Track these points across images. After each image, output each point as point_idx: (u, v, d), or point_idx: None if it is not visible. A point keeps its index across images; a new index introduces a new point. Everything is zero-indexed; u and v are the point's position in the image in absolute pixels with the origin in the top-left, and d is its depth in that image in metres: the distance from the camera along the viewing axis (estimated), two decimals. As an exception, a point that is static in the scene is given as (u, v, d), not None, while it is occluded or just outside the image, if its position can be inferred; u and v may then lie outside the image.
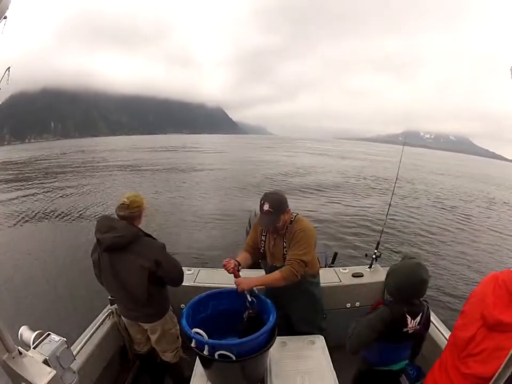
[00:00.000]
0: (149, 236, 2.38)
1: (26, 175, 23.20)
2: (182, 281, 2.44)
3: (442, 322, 2.64)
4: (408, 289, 1.92)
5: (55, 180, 20.49)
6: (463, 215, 13.19)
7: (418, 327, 1.96)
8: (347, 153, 52.47)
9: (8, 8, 0.87)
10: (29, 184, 18.70)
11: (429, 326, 2.06)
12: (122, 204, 2.29)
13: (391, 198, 3.86)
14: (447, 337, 2.32)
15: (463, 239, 9.81)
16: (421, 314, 1.96)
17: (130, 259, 2.24)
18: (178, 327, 2.60)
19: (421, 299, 2.02)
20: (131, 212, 2.31)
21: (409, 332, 1.95)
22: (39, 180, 20.23)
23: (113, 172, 22.91)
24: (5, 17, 0.89)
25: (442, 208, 14.22)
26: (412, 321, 1.94)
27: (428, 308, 2.01)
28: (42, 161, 34.36)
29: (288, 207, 2.44)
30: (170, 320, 2.55)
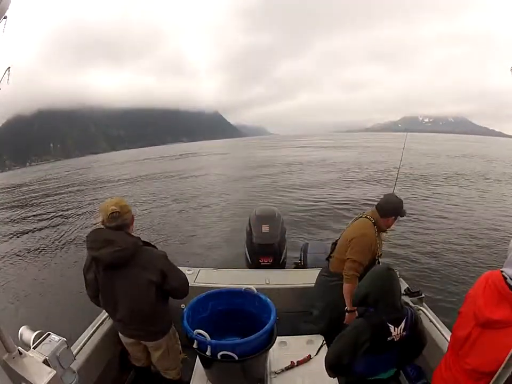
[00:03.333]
0: (148, 243, 2.17)
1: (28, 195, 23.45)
2: (187, 292, 2.21)
3: (443, 322, 2.62)
4: (391, 296, 1.86)
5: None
6: (466, 206, 12.94)
7: (404, 333, 1.87)
8: (347, 145, 51.83)
9: (8, 8, 0.89)
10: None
11: (417, 329, 1.94)
12: (112, 212, 2.01)
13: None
14: (447, 337, 2.34)
15: (466, 235, 9.47)
16: (405, 320, 1.87)
17: (135, 274, 2.02)
18: (180, 342, 2.46)
19: (403, 303, 1.95)
20: (124, 220, 2.06)
21: (395, 340, 1.86)
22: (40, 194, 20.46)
23: (113, 185, 22.96)
24: (5, 17, 0.90)
25: (446, 198, 13.85)
26: (396, 329, 1.85)
27: (411, 312, 1.92)
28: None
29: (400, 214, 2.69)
30: (173, 335, 2.39)
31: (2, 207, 17.90)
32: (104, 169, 40.79)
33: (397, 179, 4.03)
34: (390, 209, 2.62)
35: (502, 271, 1.38)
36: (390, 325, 1.84)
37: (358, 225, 2.68)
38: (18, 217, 14.11)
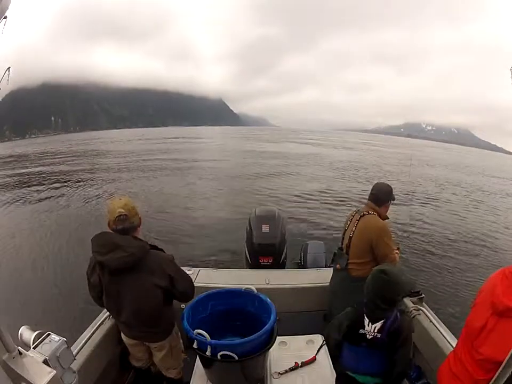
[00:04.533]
0: (154, 247, 2.13)
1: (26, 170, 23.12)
2: (193, 296, 2.20)
3: (443, 322, 2.61)
4: (371, 292, 1.91)
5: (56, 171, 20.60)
6: (467, 211, 13.05)
7: (378, 335, 1.89)
8: (347, 145, 51.75)
9: (8, 8, 0.87)
10: (29, 179, 18.80)
11: (400, 339, 1.90)
12: (120, 215, 1.95)
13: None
14: (447, 336, 2.36)
15: (466, 239, 9.62)
16: (383, 321, 1.89)
17: (142, 279, 1.98)
18: (182, 341, 2.46)
19: (398, 309, 1.97)
20: (132, 223, 2.01)
21: (367, 336, 1.90)
22: (39, 176, 20.23)
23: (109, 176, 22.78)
24: (5, 17, 0.88)
25: (448, 206, 13.92)
26: (370, 324, 1.90)
27: (395, 319, 1.91)
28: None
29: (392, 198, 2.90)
30: (176, 335, 2.39)
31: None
32: (104, 147, 40.55)
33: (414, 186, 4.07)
34: (385, 197, 2.80)
35: None
36: (366, 318, 1.91)
37: (368, 224, 2.71)
38: (15, 208, 13.82)
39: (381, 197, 2.79)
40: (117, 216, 1.96)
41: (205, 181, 17.69)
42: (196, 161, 26.38)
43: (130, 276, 1.97)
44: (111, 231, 2.01)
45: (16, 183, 18.03)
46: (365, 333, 1.90)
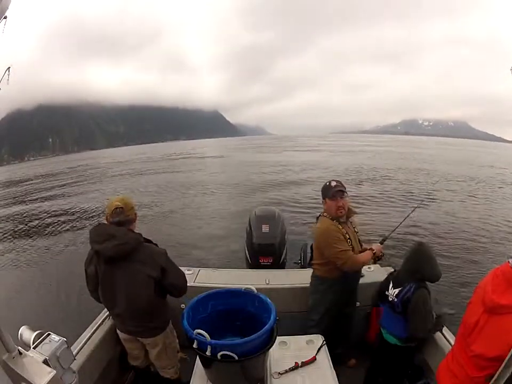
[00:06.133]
0: (149, 241, 2.21)
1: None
2: (186, 290, 2.29)
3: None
4: (404, 260, 2.29)
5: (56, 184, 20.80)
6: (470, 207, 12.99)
7: (395, 299, 2.18)
8: (344, 149, 51.68)
9: (8, 8, 0.89)
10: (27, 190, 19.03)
11: (409, 308, 2.13)
12: (116, 208, 2.07)
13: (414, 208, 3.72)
14: (448, 336, 2.39)
15: (466, 238, 9.47)
16: (400, 289, 2.16)
17: (134, 269, 2.06)
18: (177, 341, 2.49)
19: (416, 283, 2.14)
20: (127, 216, 2.11)
21: (389, 298, 2.22)
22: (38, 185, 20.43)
23: (113, 178, 22.94)
24: (5, 17, 0.90)
25: (450, 201, 13.79)
26: (392, 289, 2.22)
27: (410, 289, 2.13)
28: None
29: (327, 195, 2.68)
30: (171, 333, 2.42)
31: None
32: (103, 165, 40.75)
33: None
34: (322, 193, 2.74)
35: (508, 261, 1.47)
36: (391, 282, 2.29)
37: (317, 227, 2.74)
38: (16, 214, 14.06)
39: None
40: (113, 209, 2.08)
41: (205, 183, 17.79)
42: (193, 171, 26.60)
43: (123, 265, 2.05)
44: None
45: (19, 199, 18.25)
46: (388, 296, 2.22)
